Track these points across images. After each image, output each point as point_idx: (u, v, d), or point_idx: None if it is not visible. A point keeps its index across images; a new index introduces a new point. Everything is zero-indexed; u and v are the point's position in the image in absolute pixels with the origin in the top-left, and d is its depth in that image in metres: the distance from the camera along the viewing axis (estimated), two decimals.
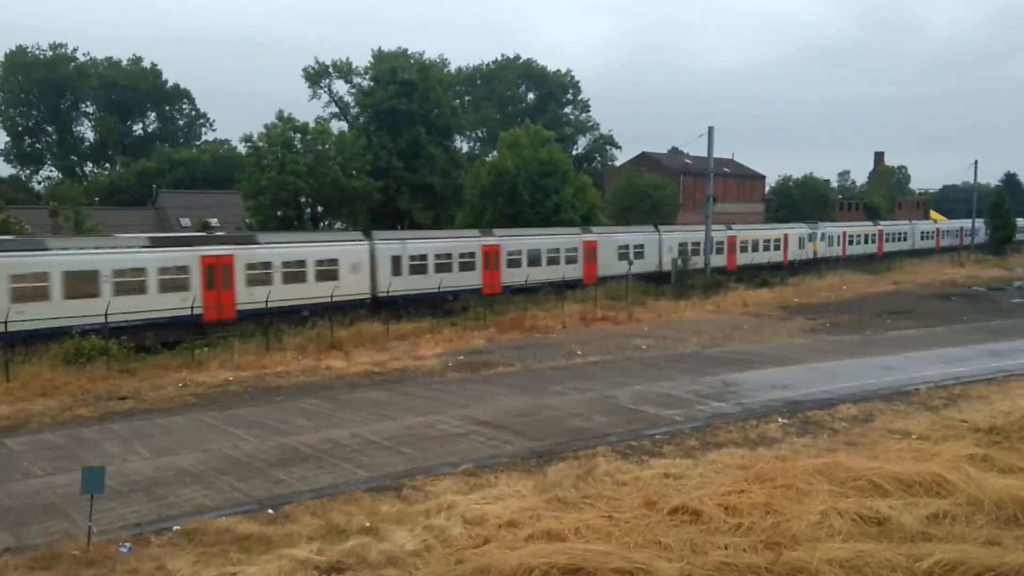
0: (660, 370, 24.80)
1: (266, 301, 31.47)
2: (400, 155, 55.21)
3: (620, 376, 23.79)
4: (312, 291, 33.19)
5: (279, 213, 49.20)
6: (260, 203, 48.26)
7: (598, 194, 58.87)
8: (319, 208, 53.02)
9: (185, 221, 57.49)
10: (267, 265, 32.56)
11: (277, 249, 33.00)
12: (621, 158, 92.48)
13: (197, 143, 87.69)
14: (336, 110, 63.13)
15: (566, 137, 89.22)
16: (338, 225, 56.21)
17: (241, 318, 31.24)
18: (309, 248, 33.93)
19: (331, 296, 32.80)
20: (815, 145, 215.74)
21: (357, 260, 35.02)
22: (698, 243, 50.15)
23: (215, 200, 60.80)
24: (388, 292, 35.87)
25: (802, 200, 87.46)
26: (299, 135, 49.79)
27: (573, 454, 16.15)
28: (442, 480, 14.77)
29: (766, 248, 57.03)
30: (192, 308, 29.88)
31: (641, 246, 49.40)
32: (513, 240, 42.06)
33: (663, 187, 65.77)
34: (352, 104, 59.24)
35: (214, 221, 55.05)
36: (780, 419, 18.88)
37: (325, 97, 63.08)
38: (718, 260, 52.67)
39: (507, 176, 52.27)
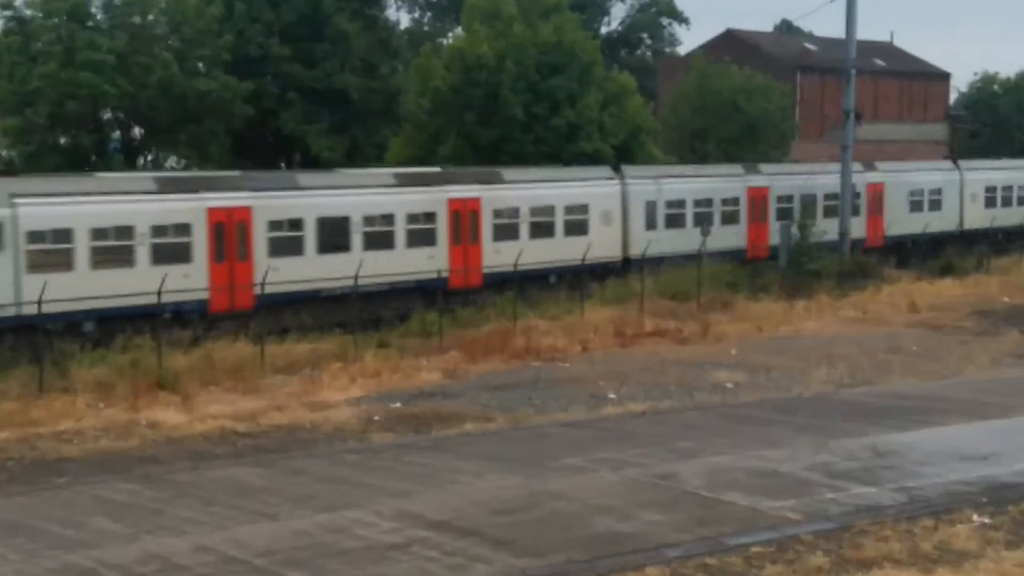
0: (759, 427, 25.00)
1: (515, 263, 39.53)
2: (286, 36, 55.20)
3: (685, 438, 23.98)
4: (561, 250, 42.60)
5: (62, 140, 49.15)
6: (29, 122, 48.10)
7: (647, 107, 59.09)
8: (137, 131, 53.04)
9: None
10: (515, 212, 41.90)
11: (526, 190, 42.20)
12: (689, 41, 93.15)
13: None
14: None
15: (588, 3, 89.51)
16: (171, 163, 56.32)
17: (486, 285, 40.37)
18: (558, 189, 43.47)
19: (582, 258, 41.50)
20: None
21: (608, 207, 44.86)
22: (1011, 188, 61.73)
23: None
24: (644, 252, 44.00)
25: (1018, 111, 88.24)
26: None
27: None
28: None
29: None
30: (439, 271, 39.06)
31: (938, 192, 59.08)
32: (783, 180, 52.29)
33: (766, 93, 66.06)
34: None
35: None
36: (976, 516, 18.96)
37: None
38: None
39: (481, 73, 52.72)
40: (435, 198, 39.72)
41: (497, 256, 40.56)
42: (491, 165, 47.31)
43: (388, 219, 38.60)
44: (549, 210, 42.81)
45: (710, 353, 34.28)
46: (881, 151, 73.00)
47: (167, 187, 34.91)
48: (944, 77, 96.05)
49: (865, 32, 63.58)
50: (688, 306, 40.50)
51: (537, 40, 53.10)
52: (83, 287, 32.03)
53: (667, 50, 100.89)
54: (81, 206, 32.68)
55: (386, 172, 42.28)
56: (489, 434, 24.91)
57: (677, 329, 37.33)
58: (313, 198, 37.16)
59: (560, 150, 52.09)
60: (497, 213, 41.19)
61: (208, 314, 34.66)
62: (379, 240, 38.26)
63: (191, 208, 34.49)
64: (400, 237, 38.83)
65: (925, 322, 40.36)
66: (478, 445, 23.79)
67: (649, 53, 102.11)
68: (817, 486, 20.48)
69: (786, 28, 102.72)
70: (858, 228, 53.70)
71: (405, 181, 39.87)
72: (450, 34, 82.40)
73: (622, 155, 53.45)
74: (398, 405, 27.63)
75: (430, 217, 39.50)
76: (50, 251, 32.09)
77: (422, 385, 29.94)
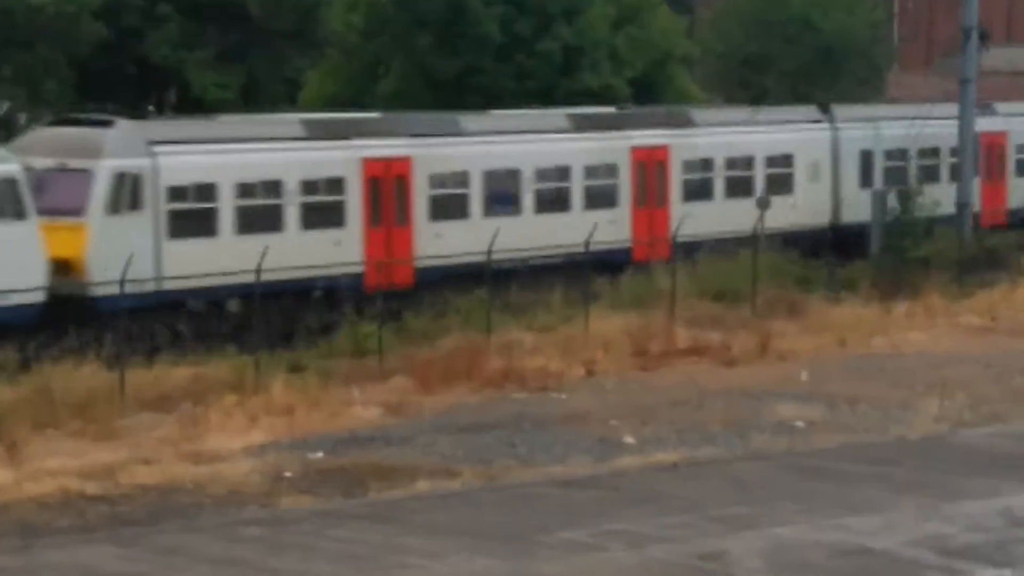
0: (842, 485, 25.09)
1: (707, 231, 44.95)
2: None
3: (736, 501, 24.03)
4: (757, 214, 46.27)
5: None
6: None
7: (680, 24, 59.07)
8: None
9: None
10: (707, 165, 47.14)
11: (719, 136, 47.38)
12: None
13: None
14: None
15: None
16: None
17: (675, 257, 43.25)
18: (758, 135, 48.72)
19: (787, 225, 47.26)
20: None
21: (816, 157, 50.98)
22: None
23: None
24: (856, 218, 49.60)
25: None
26: None
27: None
28: None
29: None
30: (621, 240, 44.08)
31: None
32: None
33: (851, 3, 66.22)
34: None
35: None
36: None
37: None
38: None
39: None
40: (615, 146, 44.77)
41: (688, 217, 44.53)
42: (453, 105, 48.25)
43: (564, 173, 43.64)
44: (747, 162, 48.51)
45: (771, 379, 34.40)
46: (1017, 86, 73.16)
47: (315, 132, 40.08)
48: None
49: None
50: (739, 311, 40.59)
51: None
52: (226, 257, 36.41)
53: None
54: (226, 156, 37.76)
55: (558, 113, 46.71)
56: (452, 497, 24.77)
57: (723, 345, 37.45)
58: (479, 146, 42.46)
59: (553, 86, 52.09)
60: (688, 166, 46.59)
61: (364, 291, 39.17)
62: (551, 200, 43.18)
63: (344, 159, 39.32)
64: (577, 196, 44.00)
65: None
66: (435, 513, 23.63)
67: None
68: (925, 569, 20.50)
69: None
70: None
71: (583, 124, 45.18)
72: None
73: (641, 92, 53.45)
74: (319, 455, 27.43)
75: (611, 170, 44.63)
76: (192, 212, 36.96)
77: (354, 426, 29.75)
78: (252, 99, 54.27)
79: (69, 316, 33.41)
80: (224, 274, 35.87)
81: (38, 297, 32.87)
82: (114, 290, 32.94)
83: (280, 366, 33.78)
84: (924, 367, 35.50)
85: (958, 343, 38.95)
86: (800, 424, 30.13)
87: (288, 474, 26.33)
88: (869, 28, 66.67)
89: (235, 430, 29.08)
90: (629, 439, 28.81)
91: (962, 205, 50.30)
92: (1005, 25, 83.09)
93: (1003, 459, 26.72)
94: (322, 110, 48.20)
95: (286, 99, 55.78)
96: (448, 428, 29.73)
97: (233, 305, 36.92)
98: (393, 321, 38.03)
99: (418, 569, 20.76)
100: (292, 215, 38.42)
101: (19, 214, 33.05)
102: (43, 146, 36.04)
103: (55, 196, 34.47)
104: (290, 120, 42.32)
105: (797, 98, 59.02)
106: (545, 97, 51.02)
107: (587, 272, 40.88)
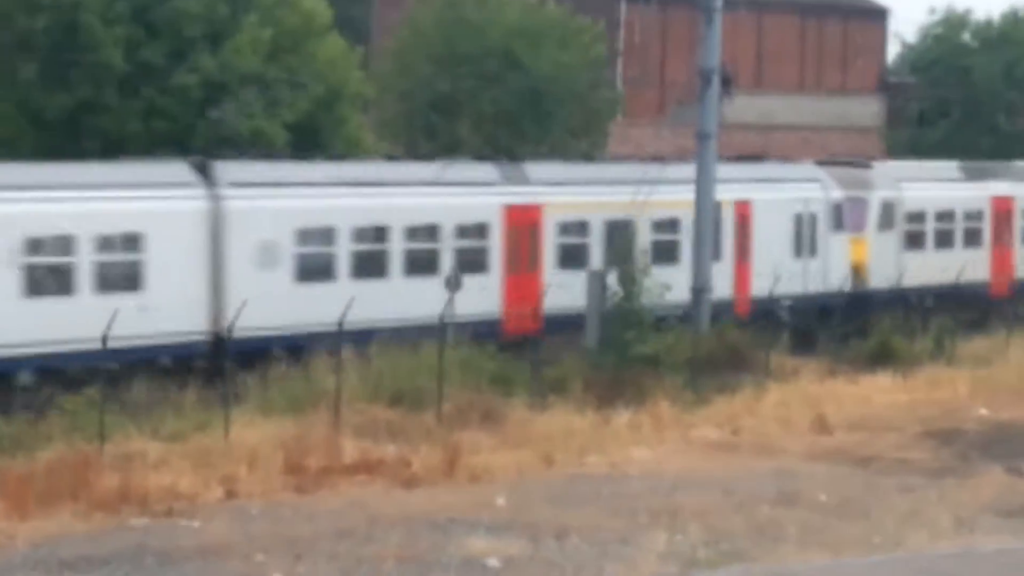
0: None
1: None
2: None
3: None
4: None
5: None
6: None
7: (353, 55, 59.77)
8: None
9: None
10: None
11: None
12: None
13: None
14: None
15: None
16: None
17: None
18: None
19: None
20: None
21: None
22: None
23: None
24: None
25: (1005, 80, 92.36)
26: None
27: None
28: None
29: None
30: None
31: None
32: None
33: (564, 37, 67.41)
34: None
35: None
36: None
37: None
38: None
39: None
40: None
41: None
42: (65, 152, 48.40)
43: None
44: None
45: (460, 504, 34.51)
46: (770, 143, 75.13)
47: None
48: (878, 16, 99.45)
49: None
50: (421, 418, 40.79)
51: None
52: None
53: None
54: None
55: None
56: None
57: (401, 460, 37.62)
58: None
59: (189, 128, 52.03)
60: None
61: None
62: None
63: None
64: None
65: (842, 451, 41.70)
66: None
67: None
68: None
69: None
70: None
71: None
72: None
73: (304, 137, 53.70)
74: None
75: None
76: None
77: None
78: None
79: None
80: None
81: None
82: None
83: None
84: (650, 492, 36.06)
85: (692, 462, 39.72)
86: (495, 562, 30.12)
87: None
88: (588, 68, 67.62)
89: None
90: None
91: (698, 291, 51.35)
92: (755, 68, 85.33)
93: None
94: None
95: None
96: (48, 564, 29.14)
97: None
98: None
99: None
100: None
101: None
102: None
103: None
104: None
105: (497, 150, 59.49)
106: (179, 143, 50.79)
107: (228, 366, 41.01)
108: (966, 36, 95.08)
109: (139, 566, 29.36)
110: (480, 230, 51.95)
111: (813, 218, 62.50)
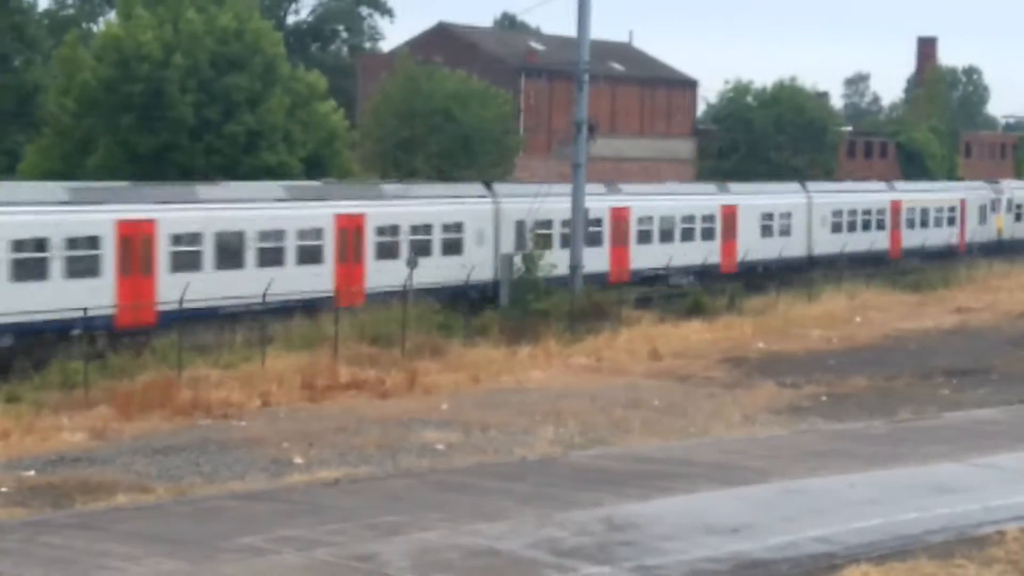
0: (475, 497, 25.25)
1: None
2: None
3: (388, 511, 24.04)
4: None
5: None
6: None
7: (343, 112, 59.37)
8: None
9: None
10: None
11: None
12: (394, 36, 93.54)
13: None
14: None
15: None
16: None
17: None
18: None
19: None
20: (802, 26, 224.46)
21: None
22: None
23: None
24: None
25: (775, 127, 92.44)
26: None
27: None
28: None
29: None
30: None
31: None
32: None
33: (484, 99, 67.23)
34: None
35: None
36: None
37: None
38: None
39: (142, 66, 52.19)
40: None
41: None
42: (152, 178, 47.38)
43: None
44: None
45: (417, 408, 34.64)
46: (620, 171, 75.22)
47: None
48: (691, 85, 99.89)
49: (601, 31, 65.70)
50: (391, 353, 40.78)
51: (215, 29, 52.75)
52: None
53: (367, 46, 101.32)
54: None
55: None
56: (146, 508, 24.41)
57: (378, 380, 37.62)
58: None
59: (237, 162, 51.74)
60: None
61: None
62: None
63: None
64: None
65: (669, 372, 41.78)
66: (133, 522, 23.27)
67: (346, 49, 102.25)
68: (541, 567, 20.75)
69: (508, 24, 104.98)
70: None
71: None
72: (102, 19, 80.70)
73: (312, 168, 53.49)
74: (32, 473, 26.85)
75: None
76: None
77: (63, 448, 29.17)
78: None
79: None
80: None
81: None
82: None
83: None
84: (543, 400, 36.15)
85: (570, 380, 39.76)
86: (441, 447, 30.39)
87: (3, 489, 25.69)
88: (500, 119, 67.71)
89: None
90: (298, 459, 28.77)
91: (574, 267, 51.34)
92: (609, 120, 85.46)
93: (606, 476, 27.22)
94: (40, 179, 47.06)
95: (5, 169, 54.20)
96: (144, 451, 29.26)
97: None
98: (97, 359, 37.37)
99: (116, 571, 20.32)
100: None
101: None
102: None
103: None
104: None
105: (441, 177, 59.54)
106: (229, 171, 50.63)
107: (266, 319, 40.83)
108: (749, 98, 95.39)
109: (205, 452, 29.49)
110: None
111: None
